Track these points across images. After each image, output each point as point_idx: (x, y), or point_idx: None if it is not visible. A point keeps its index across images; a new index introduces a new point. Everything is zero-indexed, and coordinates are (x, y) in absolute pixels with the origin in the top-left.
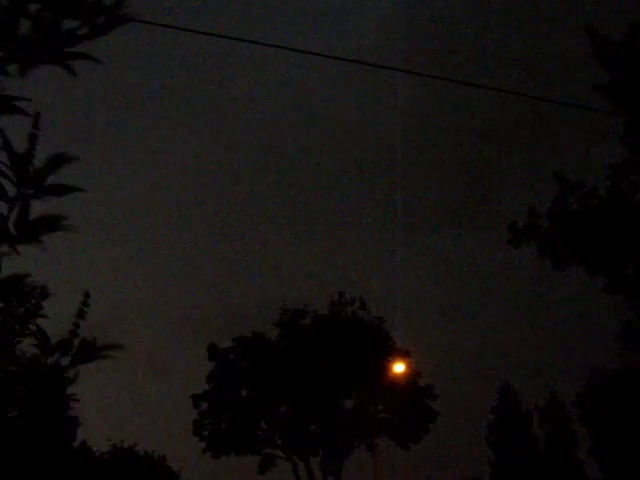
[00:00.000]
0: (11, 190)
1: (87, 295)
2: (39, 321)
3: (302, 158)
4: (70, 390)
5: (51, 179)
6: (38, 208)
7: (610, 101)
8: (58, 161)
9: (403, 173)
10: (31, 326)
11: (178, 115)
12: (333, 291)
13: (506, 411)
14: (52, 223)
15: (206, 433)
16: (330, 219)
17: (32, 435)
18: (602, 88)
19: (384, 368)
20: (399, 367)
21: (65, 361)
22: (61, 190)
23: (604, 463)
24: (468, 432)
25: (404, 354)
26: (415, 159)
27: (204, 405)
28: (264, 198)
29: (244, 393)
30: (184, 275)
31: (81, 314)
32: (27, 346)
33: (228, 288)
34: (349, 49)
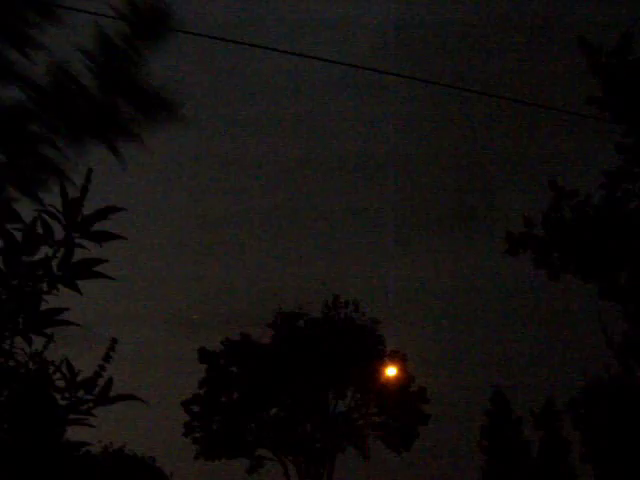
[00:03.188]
0: (58, 232)
1: (114, 341)
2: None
3: (298, 161)
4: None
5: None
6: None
7: (604, 112)
8: (106, 211)
9: (398, 178)
10: (103, 373)
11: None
12: (327, 294)
13: (499, 416)
14: (92, 270)
15: (197, 435)
16: (325, 222)
17: (18, 435)
18: (595, 100)
19: (376, 371)
20: (391, 370)
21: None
22: (105, 237)
23: (596, 469)
24: (460, 437)
25: (397, 357)
26: (410, 164)
27: (195, 408)
28: (261, 200)
29: (235, 395)
30: (178, 274)
31: (107, 358)
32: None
33: (222, 289)
34: (341, 59)
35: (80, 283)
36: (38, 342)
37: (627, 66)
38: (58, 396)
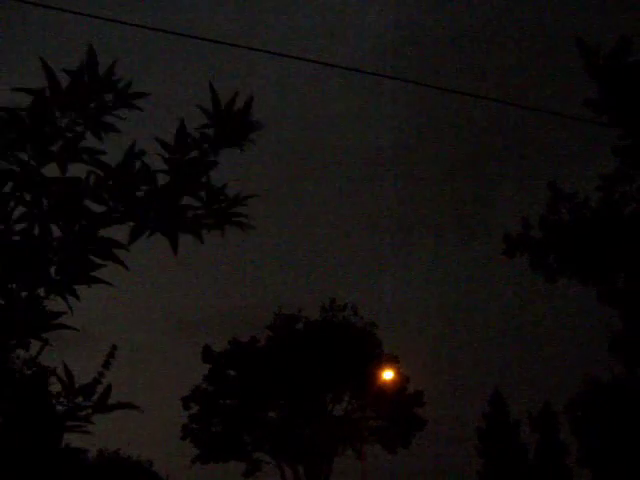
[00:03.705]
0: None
1: (114, 347)
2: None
3: (296, 165)
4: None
5: None
6: None
7: (601, 114)
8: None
9: (396, 180)
10: (102, 379)
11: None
12: (325, 297)
13: (496, 419)
14: (90, 275)
15: (195, 437)
16: (323, 225)
17: (16, 438)
18: (592, 102)
19: (373, 374)
20: (388, 374)
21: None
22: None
23: (593, 472)
24: (457, 440)
25: (394, 360)
26: (408, 166)
27: (194, 408)
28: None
29: (234, 398)
30: (176, 275)
31: (106, 365)
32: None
33: (221, 291)
34: (341, 64)
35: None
36: (34, 346)
37: (624, 69)
38: (55, 402)
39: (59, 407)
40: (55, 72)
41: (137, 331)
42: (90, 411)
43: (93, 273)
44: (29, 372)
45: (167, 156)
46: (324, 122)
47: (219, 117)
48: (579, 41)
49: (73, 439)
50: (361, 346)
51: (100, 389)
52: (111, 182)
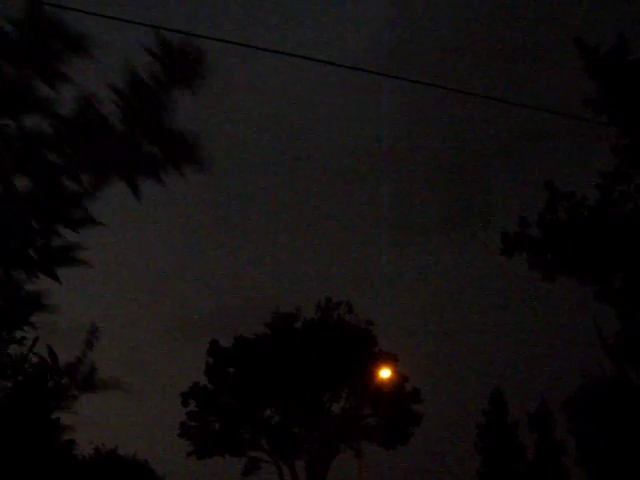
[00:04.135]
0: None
1: (95, 327)
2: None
3: (293, 164)
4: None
5: None
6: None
7: (600, 113)
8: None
9: (392, 179)
10: (84, 359)
11: None
12: (321, 295)
13: (495, 418)
14: (70, 256)
15: (193, 434)
16: (320, 223)
17: (13, 436)
18: (591, 101)
19: (371, 372)
20: (385, 372)
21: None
22: (82, 223)
23: (590, 470)
24: (456, 438)
25: (391, 358)
26: (404, 165)
27: (192, 405)
28: (257, 202)
29: (232, 395)
30: (173, 275)
31: (89, 345)
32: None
33: (218, 290)
34: (336, 62)
35: (82, 283)
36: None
37: (623, 68)
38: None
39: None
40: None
41: (137, 330)
42: (77, 391)
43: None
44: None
45: (121, 103)
46: (319, 121)
47: (169, 60)
48: (578, 40)
49: (72, 436)
50: (357, 344)
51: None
52: (68, 133)
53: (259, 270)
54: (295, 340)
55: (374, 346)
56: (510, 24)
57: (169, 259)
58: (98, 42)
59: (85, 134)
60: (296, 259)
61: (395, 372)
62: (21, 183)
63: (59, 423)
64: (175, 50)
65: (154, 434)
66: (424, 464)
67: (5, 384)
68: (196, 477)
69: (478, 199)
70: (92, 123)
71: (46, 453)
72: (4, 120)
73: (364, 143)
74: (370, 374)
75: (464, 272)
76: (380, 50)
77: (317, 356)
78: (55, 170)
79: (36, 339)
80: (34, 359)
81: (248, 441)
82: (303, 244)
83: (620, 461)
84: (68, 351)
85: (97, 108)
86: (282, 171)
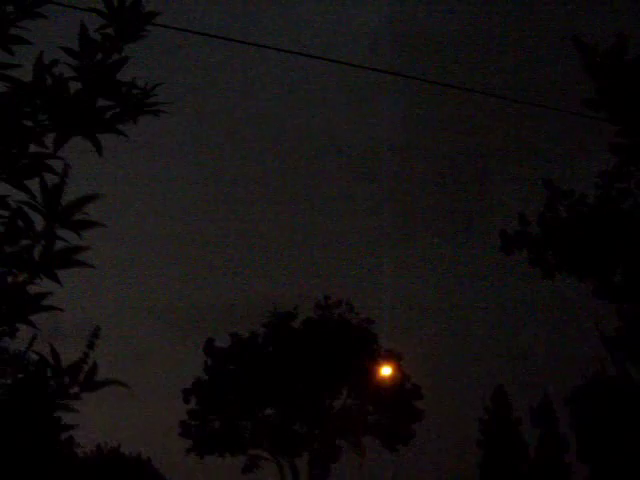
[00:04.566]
0: (38, 224)
1: (98, 328)
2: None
3: (294, 162)
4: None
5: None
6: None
7: (599, 112)
8: (85, 200)
9: (393, 176)
10: (87, 359)
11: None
12: (320, 293)
13: (497, 413)
14: (71, 258)
15: (193, 433)
16: (320, 221)
17: (15, 435)
18: (591, 101)
19: (371, 370)
20: (386, 369)
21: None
22: (85, 225)
23: (592, 466)
24: (458, 434)
25: (392, 356)
26: (405, 162)
27: (193, 403)
28: (256, 199)
29: (233, 393)
30: (173, 269)
31: (91, 345)
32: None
33: (218, 285)
34: (337, 59)
35: (80, 282)
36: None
37: (622, 66)
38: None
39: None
40: None
41: (139, 327)
42: (78, 390)
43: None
44: (25, 362)
45: (75, 63)
46: (319, 119)
47: (115, 15)
48: (576, 39)
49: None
50: (357, 342)
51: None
52: (27, 96)
53: (258, 267)
54: (294, 338)
55: (374, 344)
56: (510, 23)
57: (165, 254)
58: (49, 2)
59: (43, 96)
60: (296, 259)
61: (397, 370)
62: None
63: (60, 422)
64: (119, 3)
65: (155, 432)
66: (426, 459)
67: (4, 381)
68: (197, 475)
69: (478, 198)
70: (49, 85)
71: (46, 450)
72: None
73: (364, 142)
74: (371, 372)
75: (465, 269)
76: (382, 48)
77: (316, 354)
78: (25, 135)
79: (34, 336)
80: (33, 357)
81: (248, 439)
82: (303, 244)
83: (622, 457)
84: (66, 350)
85: (52, 70)
86: (282, 167)
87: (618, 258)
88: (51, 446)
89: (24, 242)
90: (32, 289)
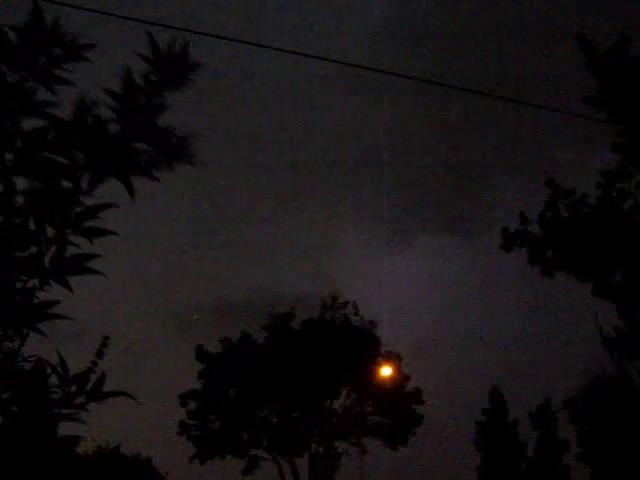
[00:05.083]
0: (49, 230)
1: (107, 338)
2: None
3: (293, 161)
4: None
5: None
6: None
7: (601, 111)
8: (99, 207)
9: (394, 176)
10: (95, 368)
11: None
12: (324, 293)
13: (495, 415)
14: (82, 265)
15: (192, 434)
16: (321, 222)
17: (13, 434)
18: (592, 100)
19: (372, 372)
20: (386, 370)
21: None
22: (96, 232)
23: (592, 469)
24: (456, 436)
25: (393, 357)
26: (405, 162)
27: (191, 405)
28: (256, 198)
29: (231, 394)
30: (172, 270)
31: (99, 354)
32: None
33: (217, 285)
34: (339, 59)
35: (80, 280)
36: (31, 341)
37: (624, 66)
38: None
39: (54, 396)
40: (2, 29)
41: (138, 326)
42: (84, 400)
43: (87, 264)
44: (25, 364)
45: (116, 105)
46: (319, 119)
47: (159, 62)
48: (580, 37)
49: (71, 430)
50: (359, 344)
51: (94, 379)
52: (67, 135)
53: (258, 268)
54: (294, 339)
55: (377, 346)
56: (512, 22)
57: (164, 257)
58: (94, 43)
59: (82, 136)
60: (295, 259)
61: (397, 371)
62: (21, 185)
63: (57, 437)
64: (165, 52)
65: (155, 432)
66: (425, 461)
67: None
68: (197, 475)
69: (479, 198)
70: (88, 125)
71: (46, 450)
72: (5, 123)
73: (364, 141)
74: (372, 372)
75: (466, 271)
76: (381, 48)
77: (317, 355)
78: (56, 170)
79: (26, 335)
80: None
81: (248, 440)
82: (302, 244)
83: (622, 459)
84: (71, 357)
85: (93, 110)
86: (282, 167)
87: (619, 257)
88: (49, 445)
89: (34, 248)
90: (42, 295)
